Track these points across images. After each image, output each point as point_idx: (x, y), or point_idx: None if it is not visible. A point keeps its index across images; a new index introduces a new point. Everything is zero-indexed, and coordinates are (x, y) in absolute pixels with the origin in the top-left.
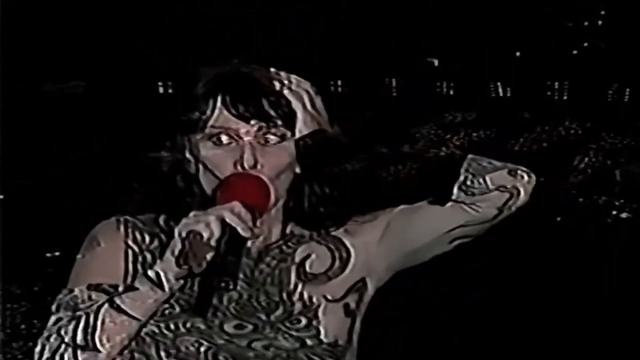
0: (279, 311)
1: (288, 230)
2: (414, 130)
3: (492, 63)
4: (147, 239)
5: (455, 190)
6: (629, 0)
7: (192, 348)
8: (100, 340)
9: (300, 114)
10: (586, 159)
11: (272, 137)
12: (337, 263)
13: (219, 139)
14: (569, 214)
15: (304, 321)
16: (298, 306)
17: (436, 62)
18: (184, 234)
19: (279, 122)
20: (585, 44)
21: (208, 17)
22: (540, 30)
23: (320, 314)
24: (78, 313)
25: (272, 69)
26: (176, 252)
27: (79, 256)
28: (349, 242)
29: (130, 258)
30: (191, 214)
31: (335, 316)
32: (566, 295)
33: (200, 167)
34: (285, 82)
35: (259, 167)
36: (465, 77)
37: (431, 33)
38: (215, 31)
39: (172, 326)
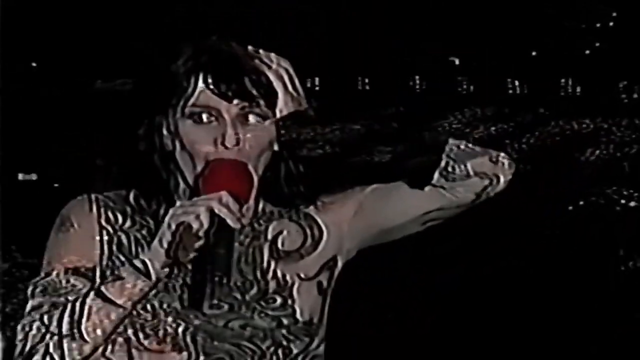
0: (254, 290)
1: (259, 208)
2: (436, 124)
3: (510, 62)
4: (120, 218)
5: (436, 175)
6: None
7: (170, 329)
8: (87, 330)
9: (281, 94)
10: (597, 151)
11: (253, 116)
12: (309, 240)
13: (200, 118)
14: (580, 202)
15: (279, 300)
16: (272, 285)
17: (457, 61)
18: (173, 226)
19: (261, 102)
20: (597, 45)
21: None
22: (554, 31)
23: (294, 292)
24: (59, 299)
25: (249, 47)
26: (165, 244)
27: (52, 236)
28: (321, 220)
29: (105, 239)
30: (178, 204)
31: (310, 294)
32: (567, 281)
33: (177, 144)
34: (266, 60)
35: (241, 145)
36: (484, 75)
37: (452, 34)
38: (253, 29)
39: (148, 307)
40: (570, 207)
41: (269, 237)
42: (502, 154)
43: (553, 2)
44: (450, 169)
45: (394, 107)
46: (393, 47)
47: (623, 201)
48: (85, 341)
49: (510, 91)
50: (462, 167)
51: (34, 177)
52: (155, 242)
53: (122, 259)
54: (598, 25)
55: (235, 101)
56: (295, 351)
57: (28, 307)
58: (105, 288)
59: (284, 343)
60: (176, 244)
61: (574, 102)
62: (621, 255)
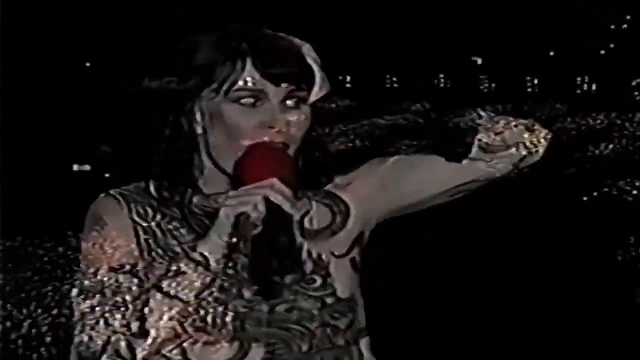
0: (292, 272)
1: None
2: (458, 120)
3: (528, 62)
4: (150, 212)
5: (474, 149)
6: None
7: (217, 319)
8: (154, 327)
9: (317, 77)
10: (610, 145)
11: (297, 99)
12: (338, 218)
13: (246, 101)
14: (593, 193)
15: (319, 280)
16: (309, 265)
17: (479, 61)
18: (232, 217)
19: (303, 85)
20: (611, 45)
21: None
22: (571, 32)
23: (332, 271)
24: (114, 299)
25: (268, 31)
26: (224, 236)
27: (86, 237)
28: (345, 196)
29: (141, 235)
30: (231, 194)
31: (346, 271)
32: (581, 265)
33: (213, 129)
34: (297, 44)
35: (289, 128)
36: (505, 73)
37: (476, 36)
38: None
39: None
40: (585, 198)
41: (296, 217)
42: (538, 124)
43: (570, 6)
44: (487, 140)
45: (419, 104)
46: (419, 48)
47: (635, 192)
48: (153, 338)
49: (529, 89)
50: (499, 138)
51: (87, 167)
52: (213, 234)
53: (160, 252)
54: (612, 27)
55: (284, 84)
56: (342, 328)
57: (82, 310)
58: (167, 284)
59: (331, 322)
60: (236, 234)
61: (589, 99)
62: (632, 243)
